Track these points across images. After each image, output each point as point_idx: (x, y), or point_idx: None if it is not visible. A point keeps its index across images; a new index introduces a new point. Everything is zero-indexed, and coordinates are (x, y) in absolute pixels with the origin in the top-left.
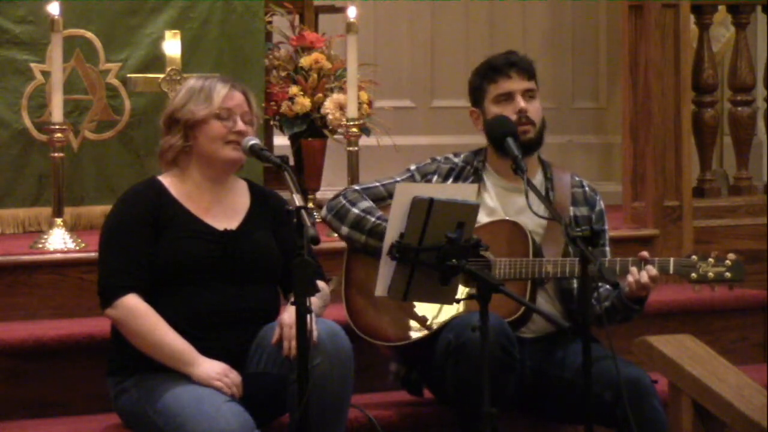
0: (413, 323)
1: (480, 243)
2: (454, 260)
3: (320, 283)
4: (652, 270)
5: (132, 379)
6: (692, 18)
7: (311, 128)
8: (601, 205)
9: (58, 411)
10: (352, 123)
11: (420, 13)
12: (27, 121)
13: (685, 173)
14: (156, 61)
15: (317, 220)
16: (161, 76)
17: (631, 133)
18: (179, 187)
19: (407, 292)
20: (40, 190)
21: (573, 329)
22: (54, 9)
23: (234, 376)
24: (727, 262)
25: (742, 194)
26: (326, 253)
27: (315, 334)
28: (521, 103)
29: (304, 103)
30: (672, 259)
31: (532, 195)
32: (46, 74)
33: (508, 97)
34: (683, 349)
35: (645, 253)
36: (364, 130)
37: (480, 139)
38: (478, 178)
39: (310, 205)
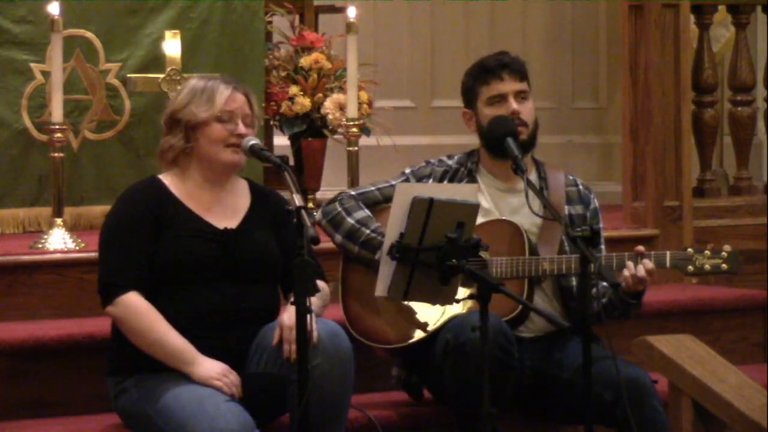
0: (412, 325)
1: (480, 243)
2: (454, 260)
3: (320, 283)
4: (649, 264)
5: (132, 379)
6: (692, 18)
7: (311, 128)
8: (595, 203)
9: (58, 411)
10: (352, 123)
11: (420, 13)
12: (27, 121)
13: (685, 173)
14: (156, 61)
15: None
16: (161, 76)
17: (631, 133)
18: (180, 186)
19: (407, 292)
20: (40, 190)
21: (573, 329)
22: (54, 9)
23: (234, 377)
24: (723, 253)
25: (742, 194)
26: (326, 253)
27: (315, 334)
28: (514, 104)
29: (304, 103)
30: (668, 253)
31: (530, 195)
32: (46, 74)
33: (500, 99)
34: (683, 349)
35: (641, 248)
36: (364, 130)
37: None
38: (471, 180)
39: (310, 205)
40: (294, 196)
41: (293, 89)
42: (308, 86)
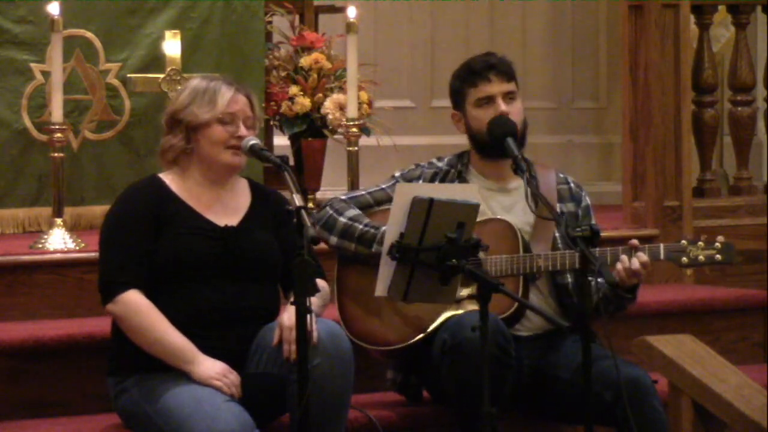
0: (409, 326)
1: (480, 243)
2: (454, 260)
3: (320, 283)
4: (643, 256)
5: (132, 379)
6: (692, 18)
7: (311, 128)
8: (587, 200)
9: (58, 411)
10: (352, 123)
11: (420, 13)
12: (27, 121)
13: (685, 173)
14: (156, 61)
15: None
16: (161, 76)
17: (631, 133)
18: (180, 184)
19: (407, 292)
20: (40, 190)
21: (572, 328)
22: (54, 9)
23: (234, 377)
24: (717, 245)
25: (742, 194)
26: (326, 253)
27: (315, 334)
28: (502, 106)
29: (304, 103)
30: (662, 245)
31: (522, 194)
32: (46, 74)
33: (488, 100)
34: (683, 349)
35: (635, 241)
36: (364, 130)
37: None
38: (462, 182)
39: (310, 205)
40: (294, 196)
41: (293, 89)
42: (308, 86)
